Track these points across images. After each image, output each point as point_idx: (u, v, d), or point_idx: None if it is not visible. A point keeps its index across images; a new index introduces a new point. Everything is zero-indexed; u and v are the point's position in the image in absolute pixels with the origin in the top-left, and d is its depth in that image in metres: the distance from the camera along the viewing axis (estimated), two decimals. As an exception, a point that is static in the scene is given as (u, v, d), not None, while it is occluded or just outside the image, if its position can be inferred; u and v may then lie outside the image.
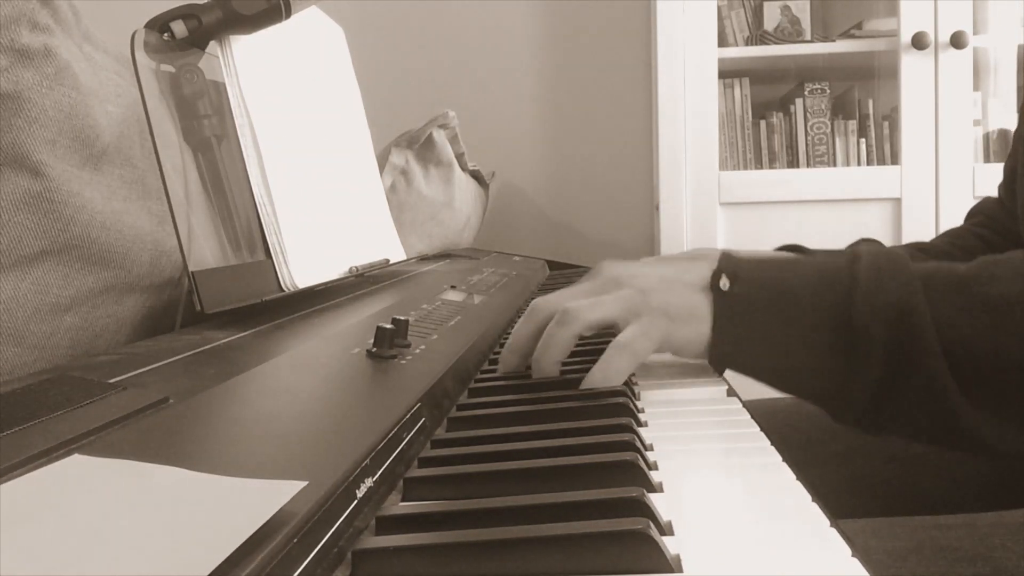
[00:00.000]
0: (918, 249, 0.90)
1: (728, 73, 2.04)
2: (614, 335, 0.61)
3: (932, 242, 0.94)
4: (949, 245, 0.91)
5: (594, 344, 0.71)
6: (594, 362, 0.63)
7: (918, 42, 1.88)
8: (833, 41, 2.06)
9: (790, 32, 2.06)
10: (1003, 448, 0.54)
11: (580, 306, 0.57)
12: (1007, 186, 0.90)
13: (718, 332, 0.56)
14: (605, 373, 0.55)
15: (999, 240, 0.89)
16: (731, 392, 0.58)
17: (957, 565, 0.60)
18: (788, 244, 0.85)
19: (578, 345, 0.71)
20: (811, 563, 0.30)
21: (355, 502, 0.33)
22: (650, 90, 2.10)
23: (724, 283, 0.57)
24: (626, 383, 0.58)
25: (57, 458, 0.31)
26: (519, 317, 0.91)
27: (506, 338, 0.77)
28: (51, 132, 0.61)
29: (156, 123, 0.64)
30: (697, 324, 0.56)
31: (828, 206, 1.94)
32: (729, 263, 0.58)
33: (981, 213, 0.95)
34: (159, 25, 0.69)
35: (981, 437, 0.53)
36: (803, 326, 0.55)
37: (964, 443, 0.55)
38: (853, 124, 2.07)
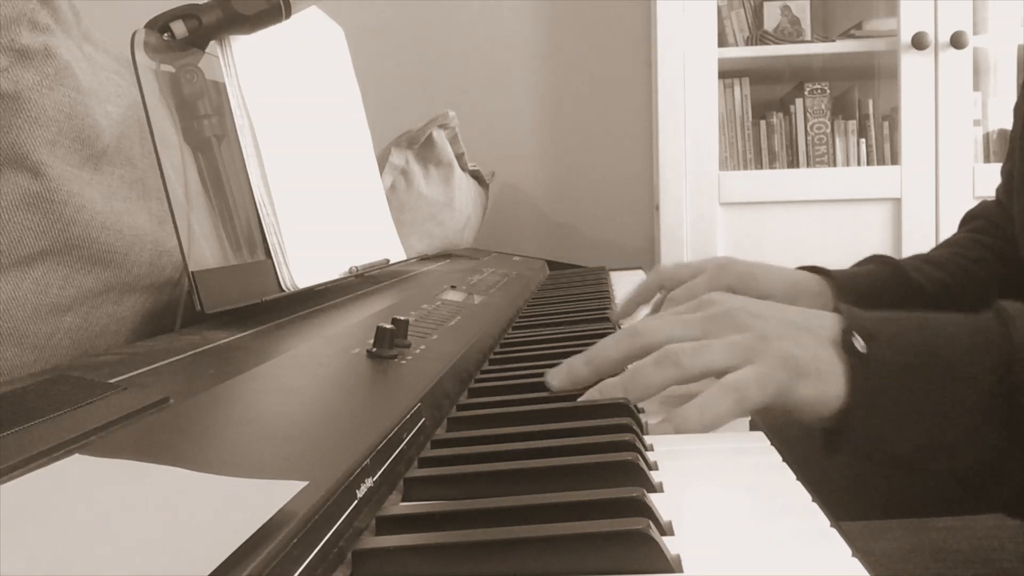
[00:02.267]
0: (923, 261, 0.87)
1: (728, 73, 2.04)
2: None
3: (934, 253, 0.90)
4: (955, 255, 0.88)
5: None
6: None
7: (918, 42, 1.88)
8: (833, 41, 2.06)
9: (790, 32, 2.06)
10: None
11: (683, 349, 0.50)
12: (1005, 189, 0.89)
13: (859, 402, 0.48)
14: (703, 415, 0.47)
15: (1003, 246, 0.88)
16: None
17: (957, 567, 0.60)
18: (806, 266, 0.80)
19: (581, 344, 0.71)
20: (811, 563, 0.30)
21: (355, 502, 0.33)
22: (650, 90, 2.10)
23: (860, 345, 0.49)
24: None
25: (57, 458, 0.31)
26: (519, 317, 0.91)
27: (506, 339, 0.77)
28: (51, 132, 0.61)
29: (156, 123, 0.64)
30: (825, 384, 0.49)
31: (828, 206, 1.94)
32: (857, 319, 0.51)
33: (980, 218, 0.93)
34: (159, 25, 0.69)
35: None
36: (957, 395, 0.48)
37: None
38: (853, 124, 2.07)
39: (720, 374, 0.49)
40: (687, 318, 0.53)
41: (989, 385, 0.48)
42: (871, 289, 0.79)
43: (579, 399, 0.51)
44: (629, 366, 0.52)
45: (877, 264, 0.83)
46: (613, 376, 0.53)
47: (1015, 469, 0.48)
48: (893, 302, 0.76)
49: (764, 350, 0.49)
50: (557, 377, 0.54)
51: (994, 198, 0.93)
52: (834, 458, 0.51)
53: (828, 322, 0.51)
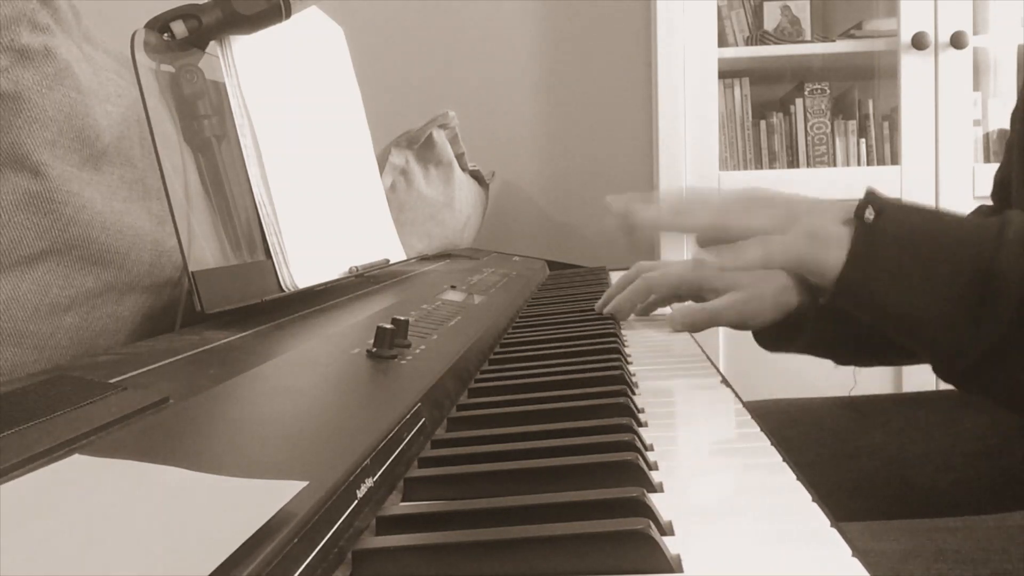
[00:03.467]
0: None
1: (728, 73, 2.04)
2: (617, 340, 0.65)
3: None
4: None
5: (597, 344, 0.71)
6: (596, 362, 0.63)
7: (918, 42, 1.88)
8: (833, 41, 2.06)
9: (790, 32, 2.06)
10: None
11: (734, 211, 0.62)
12: (999, 192, 0.90)
13: (851, 260, 0.58)
14: (736, 257, 0.59)
15: None
16: (733, 392, 0.58)
17: (957, 568, 0.60)
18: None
19: (581, 344, 0.71)
20: (812, 563, 0.30)
21: (355, 502, 0.33)
22: (650, 90, 2.10)
23: (869, 214, 0.58)
24: (626, 381, 0.58)
25: (57, 458, 0.31)
26: (519, 317, 0.91)
27: (506, 339, 0.77)
28: (51, 132, 0.61)
29: (156, 123, 0.64)
30: (835, 250, 0.58)
31: (828, 206, 1.94)
32: (876, 197, 0.59)
33: None
34: (159, 25, 0.69)
35: None
36: (940, 271, 0.56)
37: None
38: (853, 124, 2.07)
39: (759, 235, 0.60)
40: (738, 203, 0.64)
41: (970, 270, 0.55)
42: None
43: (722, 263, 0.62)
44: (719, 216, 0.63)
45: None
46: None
47: (975, 348, 0.56)
48: None
49: (794, 222, 0.60)
50: (641, 218, 0.69)
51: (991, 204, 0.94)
52: (835, 303, 0.61)
53: (850, 206, 0.60)
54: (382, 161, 1.39)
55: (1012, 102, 0.85)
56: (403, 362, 0.54)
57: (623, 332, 0.85)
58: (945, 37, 1.88)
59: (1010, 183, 0.84)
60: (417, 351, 0.57)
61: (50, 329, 0.61)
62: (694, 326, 0.84)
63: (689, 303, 0.89)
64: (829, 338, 0.79)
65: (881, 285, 0.58)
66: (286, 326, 0.63)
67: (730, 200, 0.64)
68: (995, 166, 0.93)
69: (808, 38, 2.06)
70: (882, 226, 0.58)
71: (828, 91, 2.07)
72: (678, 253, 1.95)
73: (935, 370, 0.59)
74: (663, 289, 0.89)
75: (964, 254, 0.56)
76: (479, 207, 1.79)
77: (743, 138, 2.07)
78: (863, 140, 2.07)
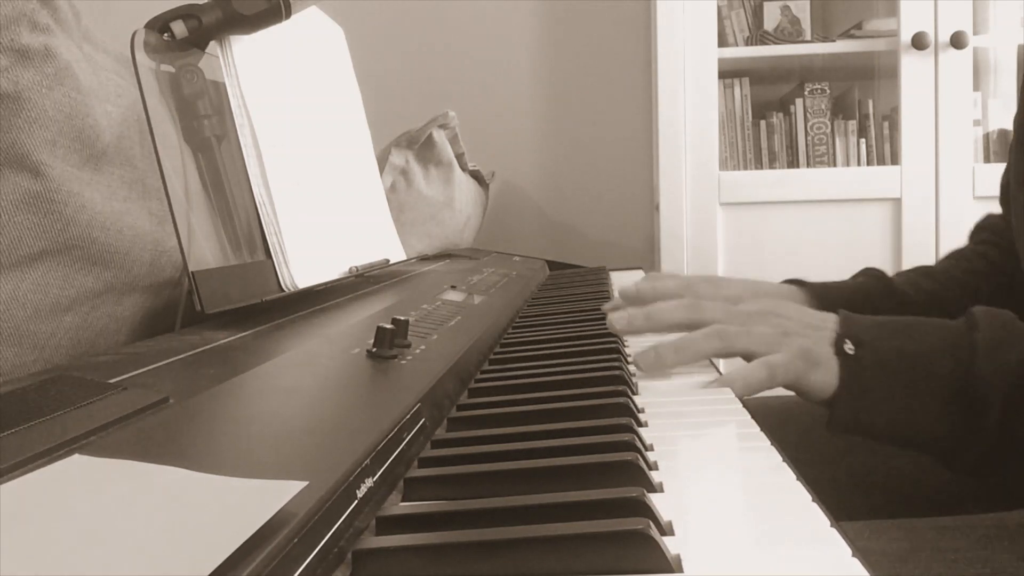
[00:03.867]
0: (924, 274, 0.93)
1: (728, 73, 2.04)
2: (617, 341, 0.69)
3: (937, 266, 0.96)
4: (950, 267, 0.94)
5: (597, 344, 0.71)
6: (596, 362, 0.63)
7: (918, 42, 1.88)
8: (833, 41, 2.06)
9: (790, 32, 2.06)
10: None
11: (728, 331, 0.64)
12: (1003, 199, 0.90)
13: (844, 394, 0.62)
14: (747, 377, 0.60)
15: (1005, 257, 0.89)
16: (732, 393, 0.58)
17: (957, 567, 0.60)
18: (791, 280, 0.91)
19: (581, 344, 0.71)
20: (811, 563, 0.30)
21: (355, 502, 0.33)
22: (650, 90, 2.10)
23: (849, 348, 0.63)
24: (626, 381, 0.58)
25: (58, 458, 0.31)
26: (519, 317, 0.91)
27: (506, 339, 0.77)
28: (51, 132, 0.61)
29: (156, 123, 0.64)
30: (824, 375, 0.62)
31: (828, 206, 1.94)
32: (849, 326, 0.64)
33: (986, 230, 0.96)
34: (159, 25, 0.69)
35: None
36: (925, 390, 0.62)
37: None
38: (853, 124, 2.07)
39: (750, 357, 0.63)
40: (732, 309, 0.67)
41: (952, 380, 0.61)
42: (854, 299, 0.91)
43: (635, 358, 0.64)
44: (683, 335, 0.64)
45: (866, 277, 0.94)
46: (660, 334, 0.68)
47: (974, 447, 0.61)
48: (878, 309, 0.84)
49: (787, 344, 0.63)
50: (619, 322, 0.69)
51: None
52: (831, 431, 0.64)
53: (829, 322, 0.65)
54: (382, 161, 1.39)
55: (1012, 102, 0.86)
56: (403, 362, 0.54)
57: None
58: (945, 37, 1.88)
59: (1008, 189, 0.85)
60: (417, 351, 0.57)
61: (50, 329, 0.61)
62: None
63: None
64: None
65: (872, 411, 0.62)
66: (286, 326, 0.63)
67: (728, 314, 0.67)
68: (995, 166, 0.93)
69: (808, 38, 2.06)
70: (864, 357, 0.62)
71: (828, 91, 2.07)
72: (678, 261, 1.95)
73: (951, 471, 0.64)
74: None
75: (942, 369, 0.61)
76: (479, 207, 1.79)
77: (743, 138, 2.07)
78: (863, 140, 2.07)
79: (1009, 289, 0.87)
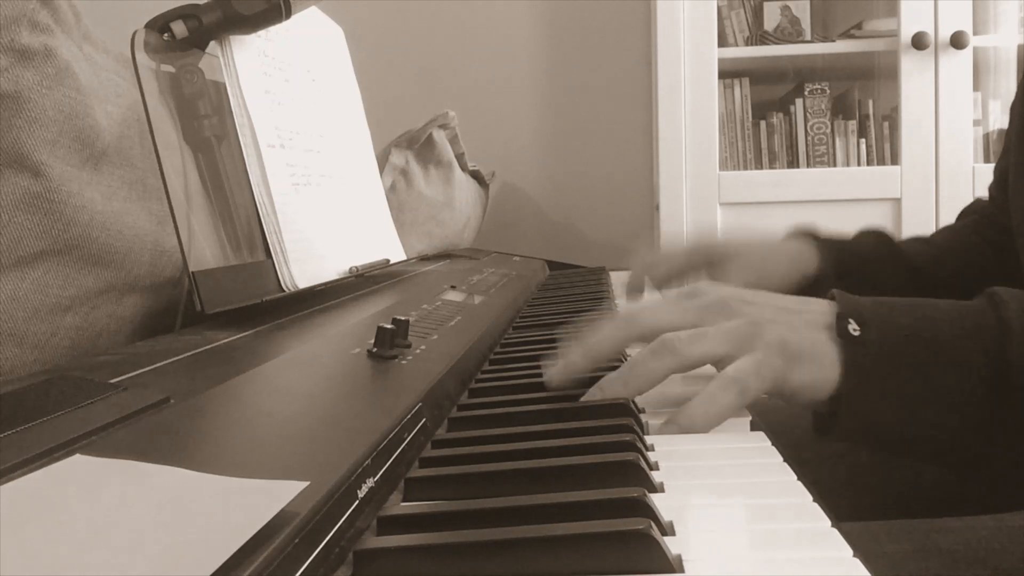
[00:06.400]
0: (920, 242, 0.91)
1: (728, 73, 2.04)
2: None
3: (932, 236, 0.95)
4: (951, 242, 0.91)
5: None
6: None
7: (918, 42, 1.88)
8: (833, 41, 2.06)
9: (790, 32, 2.06)
10: None
11: (680, 338, 0.50)
12: (999, 185, 0.90)
13: (852, 386, 0.49)
14: (707, 409, 0.47)
15: (996, 236, 0.90)
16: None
17: (957, 568, 0.60)
18: (799, 227, 0.85)
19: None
20: (812, 564, 0.30)
21: (356, 502, 0.33)
22: (650, 90, 2.09)
23: (853, 328, 0.49)
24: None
25: (58, 458, 0.31)
26: (519, 317, 0.91)
27: (506, 339, 0.77)
28: (51, 132, 0.61)
29: (156, 123, 0.64)
30: (819, 368, 0.49)
31: (828, 206, 1.94)
32: (852, 304, 0.51)
33: (975, 213, 0.97)
34: (159, 25, 0.69)
35: None
36: (948, 378, 0.48)
37: None
38: (853, 124, 2.07)
39: (716, 361, 0.50)
40: (682, 305, 0.53)
41: (979, 368, 0.48)
42: (861, 258, 0.84)
43: (581, 399, 0.51)
44: (628, 360, 0.51)
45: (871, 236, 0.87)
46: (608, 363, 0.53)
47: (1001, 452, 0.49)
48: (882, 272, 0.82)
49: (759, 336, 0.49)
50: (556, 376, 0.54)
51: (987, 196, 0.95)
52: (825, 440, 0.52)
53: (820, 307, 0.52)
54: (382, 161, 1.39)
55: (1011, 102, 0.86)
56: (403, 362, 0.54)
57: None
58: (945, 37, 1.88)
59: (1007, 175, 0.85)
60: (417, 351, 0.57)
61: (50, 329, 0.61)
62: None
63: None
64: None
65: (886, 410, 0.49)
66: (286, 326, 0.63)
67: (669, 318, 0.52)
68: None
69: (808, 38, 2.06)
70: (874, 340, 0.49)
71: (828, 91, 2.07)
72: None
73: (970, 483, 0.53)
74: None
75: (969, 353, 0.48)
76: (479, 207, 1.79)
77: (743, 138, 2.07)
78: (863, 140, 2.07)
79: (1004, 267, 0.87)
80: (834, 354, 0.49)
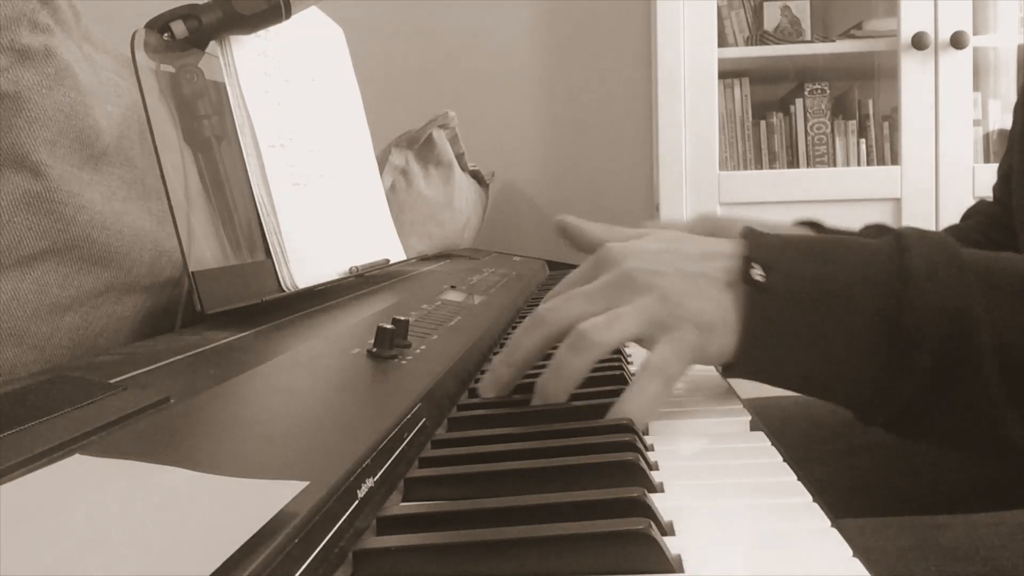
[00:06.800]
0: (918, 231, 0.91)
1: (728, 73, 2.04)
2: (620, 347, 0.59)
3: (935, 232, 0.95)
4: (950, 233, 0.92)
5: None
6: (596, 362, 0.63)
7: (918, 42, 1.88)
8: (833, 41, 2.06)
9: (790, 32, 2.06)
10: None
11: (595, 326, 0.50)
12: (1003, 186, 0.90)
13: (748, 336, 0.50)
14: (639, 403, 0.48)
15: (999, 237, 0.90)
16: (732, 392, 0.58)
17: (956, 565, 0.60)
18: (804, 220, 0.85)
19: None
20: (812, 563, 0.30)
21: (356, 502, 0.33)
22: (650, 90, 2.10)
23: (758, 273, 0.50)
24: (626, 380, 0.58)
25: (58, 458, 0.31)
26: (520, 318, 0.91)
27: (506, 339, 0.77)
28: (51, 132, 0.61)
29: (156, 123, 0.64)
30: (728, 330, 0.50)
31: (828, 206, 1.94)
32: (760, 248, 0.51)
33: (979, 214, 0.96)
34: (159, 25, 0.69)
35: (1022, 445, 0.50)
36: (846, 328, 0.50)
37: (1001, 451, 0.51)
38: (853, 124, 2.07)
39: (638, 342, 0.51)
40: (586, 290, 0.52)
41: (879, 320, 0.49)
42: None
43: (531, 403, 0.51)
44: (552, 360, 0.51)
45: (874, 229, 0.89)
46: (532, 366, 0.54)
47: (899, 398, 0.50)
48: None
49: (671, 313, 0.50)
50: (487, 388, 0.54)
51: (991, 197, 0.94)
52: (730, 375, 0.54)
53: (727, 255, 0.52)
54: (382, 161, 1.39)
55: (1012, 102, 0.86)
56: (403, 362, 0.54)
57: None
58: (945, 37, 1.88)
59: (1010, 176, 0.85)
60: (417, 351, 0.57)
61: (50, 329, 0.61)
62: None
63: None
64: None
65: (785, 356, 0.51)
66: (286, 326, 0.63)
67: (579, 306, 0.52)
68: (995, 166, 0.93)
69: (808, 38, 2.06)
70: (776, 286, 0.50)
71: (828, 91, 2.07)
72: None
73: (864, 423, 0.54)
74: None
75: (869, 303, 0.50)
76: (479, 207, 1.79)
77: (743, 138, 2.07)
78: (863, 140, 2.07)
79: None
80: (735, 309, 0.50)
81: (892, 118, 2.04)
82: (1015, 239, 0.82)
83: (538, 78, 2.20)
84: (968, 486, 0.80)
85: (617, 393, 0.53)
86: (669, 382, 0.50)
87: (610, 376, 0.59)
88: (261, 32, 0.76)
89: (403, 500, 0.38)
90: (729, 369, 0.53)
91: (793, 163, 2.07)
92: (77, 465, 0.31)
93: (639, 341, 0.51)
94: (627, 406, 0.48)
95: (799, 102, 2.07)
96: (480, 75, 2.19)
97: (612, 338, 0.50)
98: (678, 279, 0.51)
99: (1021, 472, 0.74)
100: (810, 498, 0.37)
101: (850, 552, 0.31)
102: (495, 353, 0.71)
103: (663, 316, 0.50)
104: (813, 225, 0.87)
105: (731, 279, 0.51)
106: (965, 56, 1.89)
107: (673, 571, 0.30)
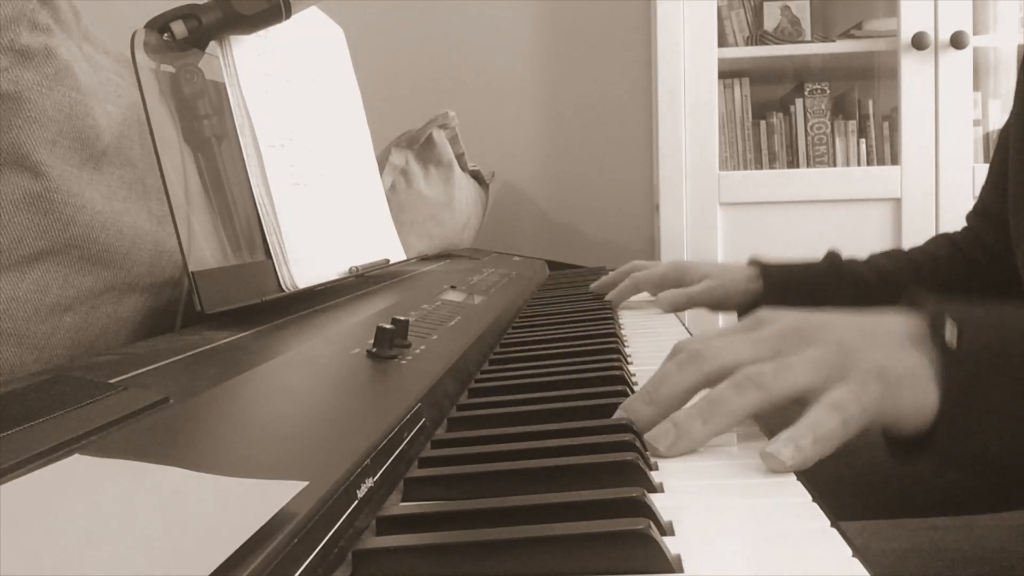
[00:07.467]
0: (883, 256, 1.00)
1: (728, 73, 2.04)
2: (617, 340, 0.60)
3: (912, 249, 1.02)
4: (913, 250, 1.00)
5: (597, 344, 0.71)
6: (596, 362, 0.63)
7: (918, 42, 1.88)
8: (833, 41, 2.06)
9: (790, 32, 2.06)
10: None
11: (764, 371, 0.44)
12: (984, 203, 0.94)
13: (950, 398, 0.43)
14: (816, 436, 0.42)
15: (975, 251, 0.96)
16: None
17: (956, 566, 0.60)
18: (753, 259, 1.01)
19: (581, 344, 0.71)
20: (812, 563, 0.30)
21: (356, 502, 0.33)
22: (650, 90, 2.09)
23: (951, 334, 0.44)
24: (625, 381, 0.58)
25: (58, 458, 0.31)
26: (519, 317, 0.91)
27: (506, 339, 0.77)
28: (51, 132, 0.61)
29: (156, 123, 0.64)
30: (923, 389, 0.44)
31: (828, 206, 1.94)
32: (944, 307, 0.46)
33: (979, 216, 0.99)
34: (159, 25, 0.69)
35: None
36: None
37: None
38: (853, 124, 2.07)
39: (805, 396, 0.45)
40: (753, 336, 0.47)
41: None
42: (802, 279, 0.98)
43: (649, 441, 0.45)
44: (707, 395, 0.45)
45: (824, 256, 0.99)
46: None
47: None
48: (825, 292, 0.95)
49: (851, 364, 0.44)
50: (626, 417, 0.47)
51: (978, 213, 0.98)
52: (909, 463, 0.47)
53: (900, 323, 0.47)
54: (382, 161, 1.39)
55: (1012, 102, 0.86)
56: (403, 362, 0.54)
57: (623, 331, 0.85)
58: (945, 37, 1.88)
59: (990, 197, 0.87)
60: (417, 351, 0.57)
61: (50, 329, 0.61)
62: (675, 307, 1.01)
63: (672, 289, 1.04)
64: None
65: (989, 424, 0.44)
66: (286, 326, 0.63)
67: (745, 351, 0.47)
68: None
69: (808, 38, 2.06)
70: (973, 348, 0.44)
71: (828, 91, 2.07)
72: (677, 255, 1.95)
73: None
74: (648, 286, 1.06)
75: None
76: (479, 207, 1.79)
77: (743, 138, 2.07)
78: (863, 140, 2.07)
79: (998, 273, 0.89)
80: (930, 369, 0.44)
81: (892, 118, 2.04)
82: (991, 256, 0.86)
83: (538, 78, 2.20)
84: (968, 488, 0.80)
85: (617, 393, 0.53)
86: (845, 427, 0.43)
87: (610, 376, 0.59)
88: (261, 32, 0.76)
89: (403, 500, 0.38)
90: (913, 449, 0.46)
91: (793, 163, 2.07)
92: (77, 465, 0.31)
93: (806, 398, 0.45)
94: (801, 443, 0.42)
95: (799, 102, 2.07)
96: (480, 75, 2.19)
97: (781, 387, 0.44)
98: (852, 333, 0.46)
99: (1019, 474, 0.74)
100: (810, 498, 0.37)
101: (850, 552, 0.31)
102: (496, 353, 0.71)
103: (840, 367, 0.44)
104: (760, 264, 1.01)
105: (916, 339, 0.45)
106: (965, 56, 1.89)
107: (673, 571, 0.30)
